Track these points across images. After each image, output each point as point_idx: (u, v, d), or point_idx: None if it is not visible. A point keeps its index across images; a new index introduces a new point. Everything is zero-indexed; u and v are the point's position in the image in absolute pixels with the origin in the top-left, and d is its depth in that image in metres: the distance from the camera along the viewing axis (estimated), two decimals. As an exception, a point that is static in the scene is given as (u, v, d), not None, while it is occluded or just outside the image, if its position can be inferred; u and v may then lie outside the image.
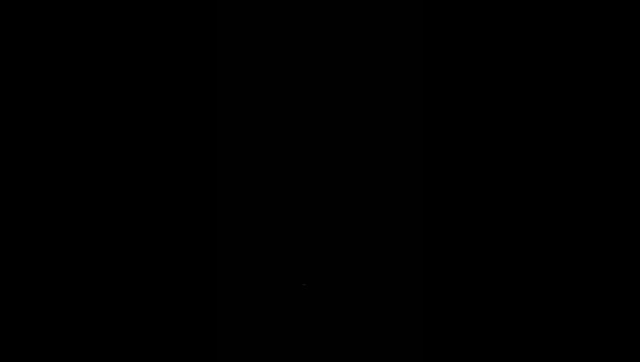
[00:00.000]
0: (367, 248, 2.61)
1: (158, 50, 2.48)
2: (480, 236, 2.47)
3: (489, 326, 2.45)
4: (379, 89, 2.66)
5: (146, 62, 2.47)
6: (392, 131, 2.65)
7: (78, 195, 2.42)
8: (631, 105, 2.42)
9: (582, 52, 2.46)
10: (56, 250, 2.39)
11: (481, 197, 2.48)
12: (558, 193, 2.45)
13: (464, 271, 2.47)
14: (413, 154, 2.63)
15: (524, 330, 2.43)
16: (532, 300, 2.43)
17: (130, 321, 2.42)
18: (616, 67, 2.44)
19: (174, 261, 2.46)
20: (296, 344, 2.59)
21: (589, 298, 2.41)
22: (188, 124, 2.50)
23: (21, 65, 2.41)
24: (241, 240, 2.61)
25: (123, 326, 2.42)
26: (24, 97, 2.41)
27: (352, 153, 2.65)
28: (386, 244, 2.61)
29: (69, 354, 2.39)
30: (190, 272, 2.47)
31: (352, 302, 2.61)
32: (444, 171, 2.50)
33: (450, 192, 2.50)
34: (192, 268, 2.47)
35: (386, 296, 2.60)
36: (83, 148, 2.43)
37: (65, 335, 2.39)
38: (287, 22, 2.66)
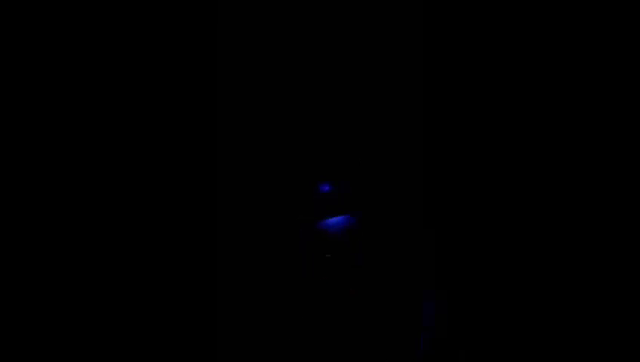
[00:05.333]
0: (367, 248, 2.62)
1: (158, 49, 2.49)
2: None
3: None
4: (379, 88, 2.66)
5: (145, 62, 2.48)
6: (392, 131, 2.65)
7: (78, 195, 2.43)
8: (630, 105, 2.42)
9: (580, 52, 2.46)
10: (56, 250, 2.40)
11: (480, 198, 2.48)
12: (555, 191, 2.45)
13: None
14: (413, 156, 2.63)
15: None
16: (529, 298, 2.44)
17: (130, 321, 2.43)
18: (615, 67, 2.44)
19: (174, 261, 2.47)
20: (296, 344, 2.60)
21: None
22: (188, 124, 2.50)
23: (21, 65, 2.41)
24: (241, 240, 2.62)
25: (123, 325, 2.43)
26: (24, 97, 2.41)
27: (352, 153, 2.65)
28: (387, 245, 2.61)
29: (69, 354, 2.40)
30: (190, 272, 2.48)
31: (351, 302, 2.61)
32: (444, 173, 2.51)
33: (449, 193, 2.51)
34: (192, 268, 2.48)
35: (386, 297, 2.60)
36: (83, 148, 2.44)
37: (65, 334, 2.40)
38: (287, 21, 2.66)
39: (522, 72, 2.49)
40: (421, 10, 2.61)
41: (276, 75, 2.66)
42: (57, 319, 2.40)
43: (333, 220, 2.49)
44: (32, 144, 2.42)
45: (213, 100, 2.54)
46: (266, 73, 2.66)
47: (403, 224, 2.60)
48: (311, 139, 2.65)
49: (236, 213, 2.62)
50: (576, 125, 2.45)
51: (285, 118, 2.66)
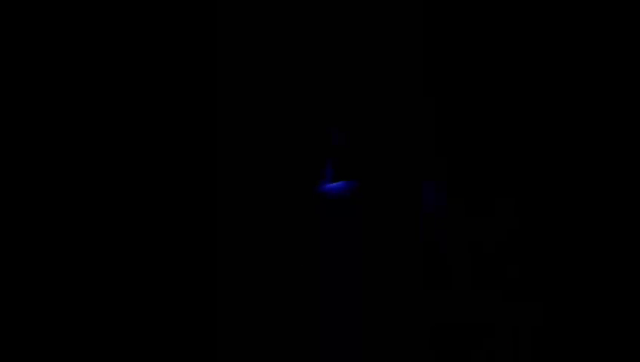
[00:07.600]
0: (369, 250, 2.61)
1: (158, 49, 2.48)
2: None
3: None
4: (380, 88, 2.66)
5: (145, 62, 2.47)
6: (393, 130, 2.65)
7: (78, 195, 2.42)
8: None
9: (580, 51, 2.46)
10: (56, 250, 2.40)
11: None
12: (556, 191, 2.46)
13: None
14: (414, 158, 2.63)
15: None
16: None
17: (130, 321, 2.43)
18: (614, 66, 2.44)
19: (174, 261, 2.47)
20: (296, 344, 2.59)
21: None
22: (188, 124, 2.50)
23: (20, 65, 2.40)
24: (241, 240, 2.61)
25: (123, 326, 2.42)
26: (23, 98, 2.40)
27: (352, 153, 2.65)
28: (387, 245, 2.62)
29: (69, 354, 2.40)
30: (190, 272, 2.48)
31: (352, 303, 2.61)
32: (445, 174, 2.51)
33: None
34: (192, 268, 2.48)
35: (387, 300, 2.60)
36: (82, 149, 2.43)
37: (65, 334, 2.40)
38: (287, 21, 2.65)
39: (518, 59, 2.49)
40: (421, 8, 2.60)
41: (275, 72, 2.65)
42: (56, 318, 2.39)
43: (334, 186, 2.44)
44: (32, 144, 2.41)
45: (213, 93, 2.53)
46: (265, 69, 2.65)
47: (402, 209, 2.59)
48: (310, 135, 2.65)
49: (236, 211, 2.62)
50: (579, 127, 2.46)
51: (285, 113, 2.65)
